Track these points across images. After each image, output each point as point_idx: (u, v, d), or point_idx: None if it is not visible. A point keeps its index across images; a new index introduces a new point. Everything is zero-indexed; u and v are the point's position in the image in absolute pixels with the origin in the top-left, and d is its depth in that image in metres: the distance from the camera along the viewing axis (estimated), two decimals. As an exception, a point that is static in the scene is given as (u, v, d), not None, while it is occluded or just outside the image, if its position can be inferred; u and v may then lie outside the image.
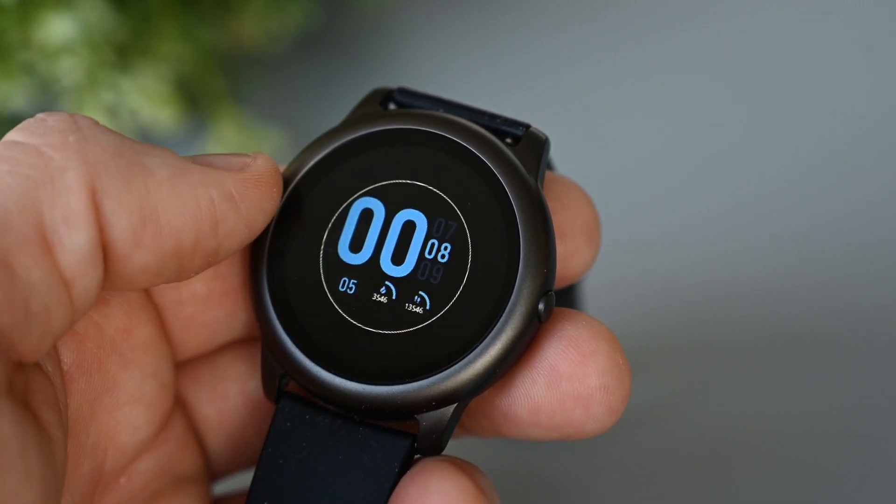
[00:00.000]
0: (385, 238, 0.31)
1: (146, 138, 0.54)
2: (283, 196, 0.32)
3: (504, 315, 0.29)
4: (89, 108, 0.51)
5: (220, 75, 0.54)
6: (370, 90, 0.33)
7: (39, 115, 0.28)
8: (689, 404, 0.43)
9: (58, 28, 0.48)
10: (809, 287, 0.46)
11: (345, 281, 0.31)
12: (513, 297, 0.30)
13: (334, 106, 0.55)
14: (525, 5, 0.58)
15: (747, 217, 0.49)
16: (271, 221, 0.31)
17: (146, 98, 0.51)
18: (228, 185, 0.29)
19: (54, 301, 0.26)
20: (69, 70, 0.49)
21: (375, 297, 0.31)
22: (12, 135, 0.28)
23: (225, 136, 0.52)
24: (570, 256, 0.32)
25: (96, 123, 0.28)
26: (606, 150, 0.53)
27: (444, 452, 0.30)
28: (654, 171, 0.51)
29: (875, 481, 0.41)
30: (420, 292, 0.30)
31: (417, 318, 0.30)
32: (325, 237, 0.31)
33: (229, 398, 0.33)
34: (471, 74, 0.55)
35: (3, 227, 0.26)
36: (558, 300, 0.30)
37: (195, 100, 0.54)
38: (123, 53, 0.51)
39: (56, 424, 0.27)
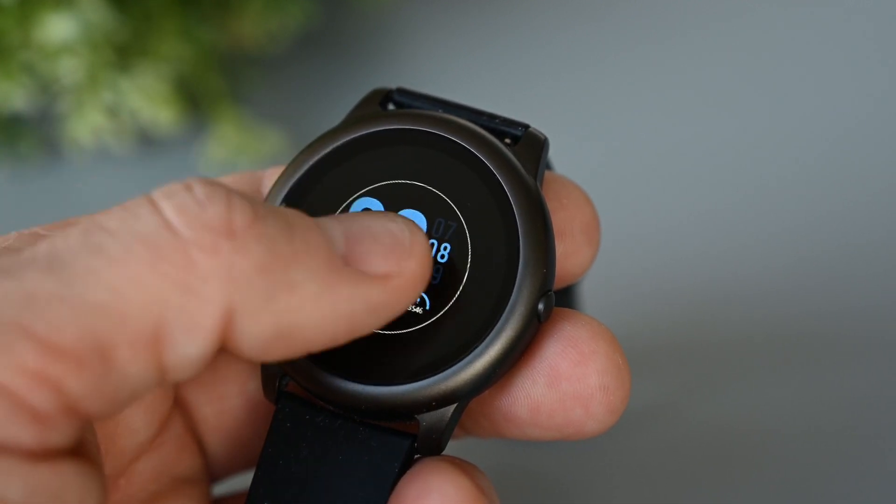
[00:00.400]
0: (385, 238, 0.31)
1: (146, 138, 0.54)
2: (280, 199, 0.32)
3: (504, 315, 0.29)
4: (89, 108, 0.51)
5: (220, 75, 0.54)
6: (369, 90, 0.33)
7: (198, 192, 0.26)
8: (688, 404, 0.43)
9: (58, 28, 0.48)
10: (808, 287, 0.46)
11: None
12: (512, 298, 0.30)
13: (334, 106, 0.55)
14: (525, 5, 0.58)
15: (747, 217, 0.49)
16: None
17: (146, 98, 0.51)
18: (374, 299, 0.27)
19: (144, 389, 0.25)
20: (69, 70, 0.49)
21: None
22: (164, 203, 0.25)
23: (225, 136, 0.52)
24: (569, 256, 0.32)
25: (253, 221, 0.26)
26: (606, 150, 0.53)
27: (444, 453, 0.30)
28: (654, 171, 0.51)
29: (874, 481, 0.41)
30: None
31: (417, 319, 0.30)
32: None
33: (228, 399, 0.33)
34: (471, 74, 0.55)
35: (118, 320, 0.24)
36: (557, 300, 0.30)
37: (195, 100, 0.54)
38: (123, 53, 0.51)
39: (100, 461, 0.27)
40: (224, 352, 0.26)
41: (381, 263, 0.27)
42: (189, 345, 0.25)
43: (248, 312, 0.25)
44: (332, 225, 0.28)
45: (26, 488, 0.23)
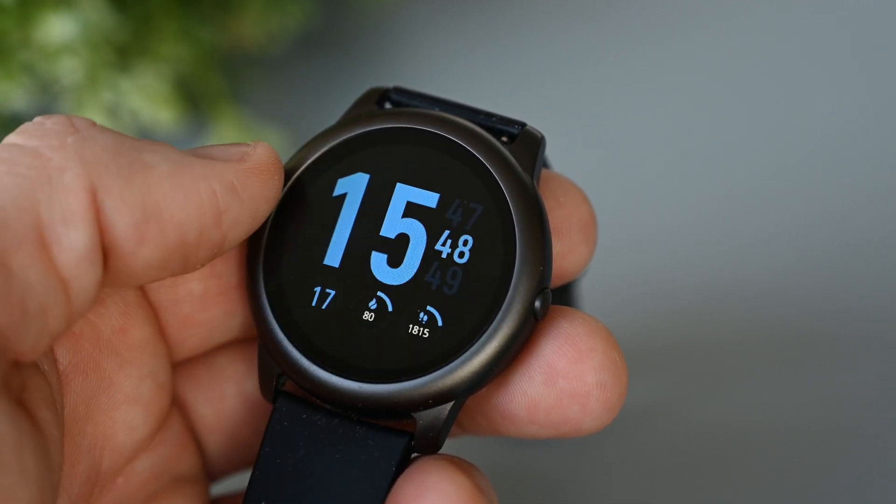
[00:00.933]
0: (381, 236, 0.31)
1: (148, 137, 0.54)
2: (283, 186, 0.32)
3: (500, 313, 0.29)
4: (89, 108, 0.51)
5: (220, 75, 0.54)
6: (366, 90, 0.33)
7: (37, 119, 0.28)
8: (686, 403, 0.43)
9: (58, 28, 0.48)
10: (807, 286, 0.46)
11: None
12: (509, 295, 0.30)
13: (334, 106, 0.54)
14: (524, 5, 0.58)
15: (745, 216, 0.49)
16: (268, 220, 0.31)
17: (146, 98, 0.51)
18: (230, 176, 0.29)
19: (51, 300, 0.26)
20: (69, 70, 0.49)
21: None
22: (10, 138, 0.28)
23: (225, 136, 0.52)
24: (566, 254, 0.32)
25: (94, 124, 0.28)
26: (603, 148, 0.53)
27: (441, 451, 0.30)
28: (651, 170, 0.51)
29: (874, 481, 0.41)
30: None
31: (415, 317, 0.30)
32: None
33: (227, 398, 0.33)
34: (470, 74, 0.55)
35: (1, 229, 0.26)
36: (555, 298, 0.30)
37: (195, 100, 0.54)
38: (123, 53, 0.51)
39: (53, 424, 0.27)
40: (114, 254, 0.27)
41: (231, 150, 0.30)
42: (70, 233, 0.26)
43: (111, 192, 0.27)
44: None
45: None
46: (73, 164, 0.27)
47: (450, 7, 0.58)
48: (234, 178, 0.29)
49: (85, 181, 0.27)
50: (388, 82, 0.34)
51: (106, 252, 0.27)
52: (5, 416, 0.25)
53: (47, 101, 0.53)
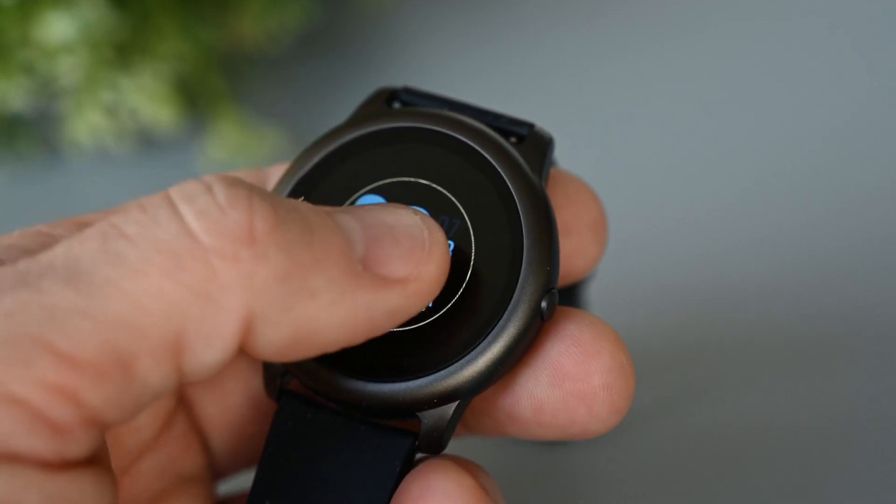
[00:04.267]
0: (388, 235, 0.31)
1: (146, 138, 0.54)
2: (285, 191, 0.32)
3: (507, 313, 0.29)
4: (88, 107, 0.51)
5: (219, 75, 0.53)
6: (374, 89, 0.33)
7: (219, 196, 0.25)
8: (691, 404, 0.43)
9: (57, 27, 0.48)
10: (815, 288, 0.46)
11: None
12: (515, 295, 0.29)
13: (334, 106, 0.55)
14: (525, 5, 0.58)
15: (751, 218, 0.49)
16: None
17: (146, 97, 0.51)
18: (393, 304, 0.27)
19: (163, 394, 0.25)
20: (69, 69, 0.49)
21: None
22: (182, 206, 0.25)
23: (224, 136, 0.52)
24: (576, 253, 0.32)
25: (274, 227, 0.26)
26: (611, 149, 0.53)
27: (446, 451, 0.30)
28: (659, 171, 0.51)
29: (875, 483, 0.41)
30: None
31: (420, 315, 0.30)
32: None
33: (231, 397, 0.33)
34: (471, 74, 0.55)
35: (138, 332, 0.24)
36: (564, 300, 0.30)
37: (195, 99, 0.54)
38: (123, 52, 0.51)
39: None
40: (242, 354, 0.26)
41: (401, 267, 0.28)
42: (208, 353, 0.25)
43: (267, 320, 0.25)
44: (352, 224, 0.28)
45: (43, 498, 0.23)
46: (238, 289, 0.25)
47: (450, 7, 0.58)
48: (397, 304, 0.27)
49: (245, 309, 0.25)
50: (389, 82, 0.34)
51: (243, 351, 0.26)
52: (101, 486, 0.25)
53: (46, 101, 0.52)
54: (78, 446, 0.24)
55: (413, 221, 0.28)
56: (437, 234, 0.28)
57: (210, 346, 0.25)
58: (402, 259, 0.28)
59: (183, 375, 0.25)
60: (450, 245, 0.30)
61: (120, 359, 0.24)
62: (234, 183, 0.26)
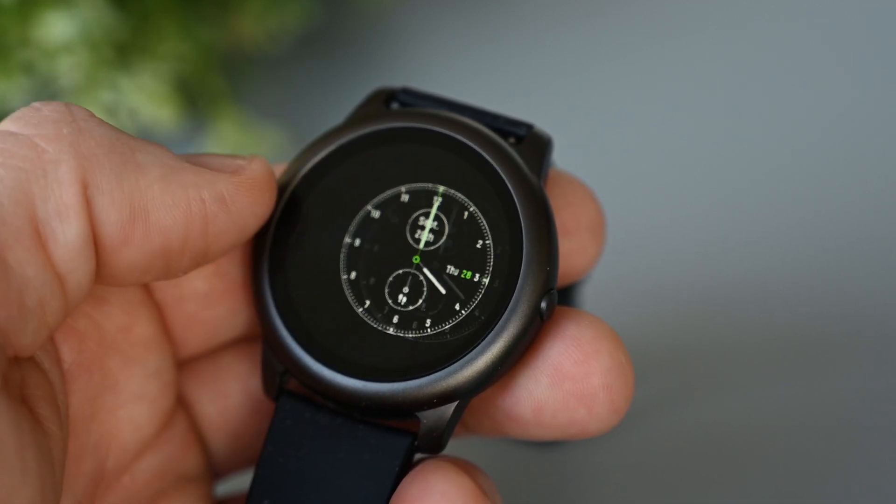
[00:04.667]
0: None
1: (146, 137, 0.54)
2: (284, 195, 0.32)
3: (506, 313, 0.29)
4: (88, 107, 0.51)
5: (219, 75, 0.53)
6: (373, 89, 0.33)
7: (35, 104, 0.28)
8: (690, 404, 0.43)
9: (57, 27, 0.48)
10: (812, 288, 0.46)
11: None
12: (515, 295, 0.29)
13: (334, 106, 0.55)
14: (525, 5, 0.58)
15: (750, 218, 0.49)
16: (274, 217, 0.31)
17: (145, 97, 0.51)
18: (220, 188, 0.29)
19: (48, 294, 0.26)
20: (68, 69, 0.49)
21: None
22: (6, 124, 0.28)
23: (224, 136, 0.52)
24: (574, 253, 0.32)
25: (91, 115, 0.28)
26: (610, 149, 0.53)
27: (445, 451, 0.30)
28: (658, 171, 0.51)
29: (872, 482, 0.41)
30: None
31: (419, 315, 0.30)
32: None
33: (231, 397, 0.33)
34: (471, 74, 0.55)
35: None
36: (561, 300, 0.30)
37: (194, 99, 0.54)
38: (123, 52, 0.51)
39: (54, 421, 0.27)
40: (100, 251, 0.27)
41: (226, 161, 0.30)
42: (65, 228, 0.27)
43: (101, 189, 0.27)
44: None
45: None
46: (67, 156, 0.27)
47: (450, 7, 0.58)
48: (225, 189, 0.29)
49: (79, 175, 0.27)
50: (389, 82, 0.34)
51: (94, 247, 0.27)
52: (6, 413, 0.25)
53: (46, 100, 0.52)
54: None
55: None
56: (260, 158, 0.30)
57: (64, 222, 0.27)
58: (224, 158, 0.30)
59: (52, 262, 0.26)
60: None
61: None
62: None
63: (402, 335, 0.30)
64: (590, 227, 0.32)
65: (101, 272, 0.28)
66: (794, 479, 0.41)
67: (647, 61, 0.55)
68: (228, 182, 0.29)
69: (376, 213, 0.31)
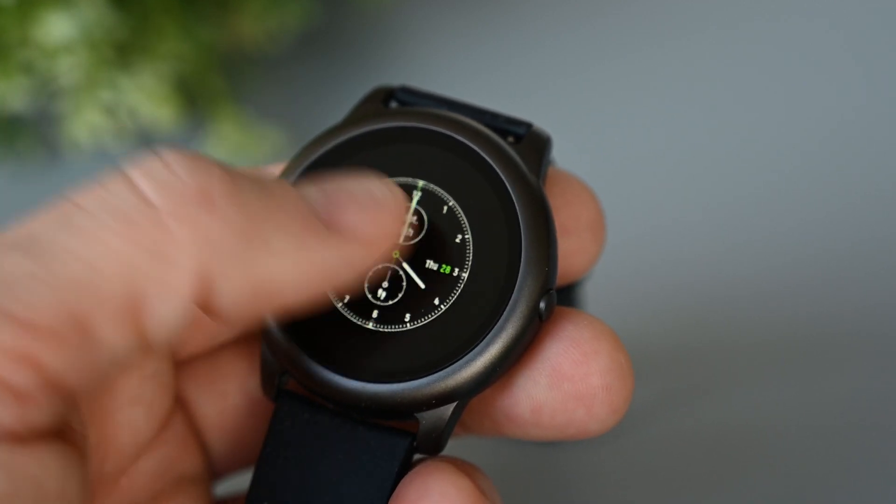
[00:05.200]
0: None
1: (145, 138, 0.54)
2: None
3: (505, 313, 0.29)
4: (88, 107, 0.51)
5: (219, 74, 0.53)
6: (372, 88, 0.33)
7: (174, 165, 0.26)
8: (690, 404, 0.43)
9: (57, 27, 0.48)
10: (812, 288, 0.46)
11: None
12: (514, 296, 0.29)
13: (334, 106, 0.54)
14: (525, 5, 0.58)
15: (750, 218, 0.49)
16: None
17: (145, 97, 0.51)
18: (349, 254, 0.28)
19: (127, 357, 0.26)
20: (68, 69, 0.49)
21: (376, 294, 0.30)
22: (138, 178, 0.25)
23: (224, 136, 0.52)
24: (574, 253, 0.32)
25: (231, 189, 0.26)
26: (610, 148, 0.52)
27: (445, 451, 0.30)
28: (658, 170, 0.51)
29: (874, 483, 0.41)
30: None
31: (418, 316, 0.30)
32: None
33: (229, 397, 0.33)
34: (470, 74, 0.55)
35: (93, 293, 0.24)
36: (560, 300, 0.30)
37: (194, 99, 0.53)
38: (123, 52, 0.51)
39: (83, 436, 0.27)
40: (207, 313, 0.26)
41: (356, 219, 0.28)
42: (166, 311, 0.25)
43: (224, 275, 0.25)
44: (309, 187, 0.28)
45: (5, 471, 0.23)
46: (193, 247, 0.25)
47: (450, 6, 0.58)
48: (354, 254, 0.28)
49: (200, 265, 0.25)
50: (389, 82, 0.34)
51: (204, 310, 0.26)
52: (68, 463, 0.25)
53: (46, 101, 0.52)
54: (41, 413, 0.24)
55: (372, 182, 0.29)
56: (396, 190, 0.29)
57: (167, 305, 0.25)
58: (357, 211, 0.28)
59: (144, 337, 0.25)
60: (414, 207, 0.30)
61: (77, 321, 0.24)
62: (193, 156, 0.26)
63: (400, 335, 0.30)
64: (589, 226, 0.32)
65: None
66: (795, 479, 0.41)
67: (647, 60, 0.55)
68: (360, 246, 0.28)
69: None
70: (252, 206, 0.26)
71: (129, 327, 0.25)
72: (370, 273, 0.30)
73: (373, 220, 0.28)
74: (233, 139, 0.52)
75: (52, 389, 0.24)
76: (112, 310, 0.25)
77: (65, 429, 0.25)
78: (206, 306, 0.26)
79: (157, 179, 0.26)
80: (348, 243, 0.28)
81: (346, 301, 0.30)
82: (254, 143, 0.52)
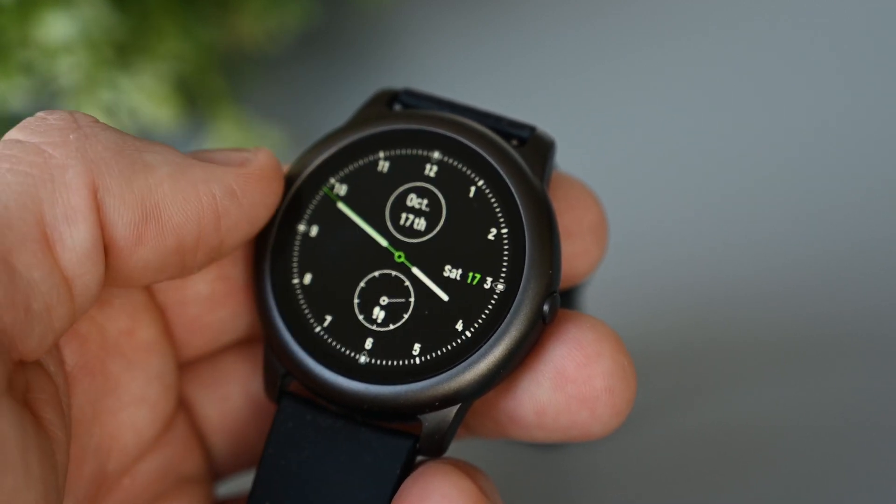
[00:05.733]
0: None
1: (146, 137, 0.54)
2: (287, 193, 0.32)
3: (509, 316, 0.29)
4: (88, 107, 0.51)
5: (219, 74, 0.53)
6: (376, 90, 0.33)
7: (39, 114, 0.28)
8: (692, 405, 0.43)
9: (57, 27, 0.48)
10: (814, 289, 0.46)
11: None
12: (517, 298, 0.29)
13: (334, 105, 0.55)
14: (526, 5, 0.58)
15: (752, 219, 0.49)
16: (275, 220, 0.31)
17: (145, 97, 0.51)
18: (230, 181, 0.29)
19: (55, 299, 0.26)
20: (68, 69, 0.49)
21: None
22: (13, 133, 0.28)
23: (224, 136, 0.52)
24: (577, 256, 0.32)
25: (96, 121, 0.28)
26: (612, 151, 0.52)
27: (447, 452, 0.30)
28: (660, 173, 0.51)
29: (875, 483, 0.41)
30: None
31: (420, 318, 0.30)
32: None
33: (231, 398, 0.33)
34: (471, 74, 0.55)
35: (2, 225, 0.26)
36: (563, 302, 0.30)
37: (194, 99, 0.53)
38: (123, 52, 0.51)
39: (58, 425, 0.27)
40: (113, 253, 0.28)
41: (232, 155, 0.30)
42: (73, 232, 0.27)
43: (111, 191, 0.27)
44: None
45: None
46: (74, 161, 0.27)
47: (451, 7, 0.58)
48: (235, 182, 0.29)
49: (87, 179, 0.27)
50: (389, 82, 0.34)
51: (105, 251, 0.27)
52: (10, 416, 0.25)
53: (46, 101, 0.52)
54: None
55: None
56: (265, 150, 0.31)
57: (72, 225, 0.27)
58: (230, 152, 0.30)
59: (64, 269, 0.27)
60: None
61: (1, 258, 0.25)
62: (61, 109, 0.28)
63: (403, 336, 0.30)
64: (592, 229, 0.32)
65: (116, 274, 0.28)
66: (796, 479, 0.41)
67: (649, 62, 0.55)
68: (237, 175, 0.29)
69: None
70: (123, 134, 0.28)
71: (45, 257, 0.26)
72: (377, 274, 0.31)
73: (246, 153, 0.30)
74: (233, 139, 0.52)
75: None
76: (23, 239, 0.26)
77: (15, 389, 0.26)
78: (104, 231, 0.27)
79: (25, 125, 0.28)
80: (226, 170, 0.29)
81: (349, 304, 0.31)
82: (254, 143, 0.52)
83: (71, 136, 0.27)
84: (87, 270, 0.27)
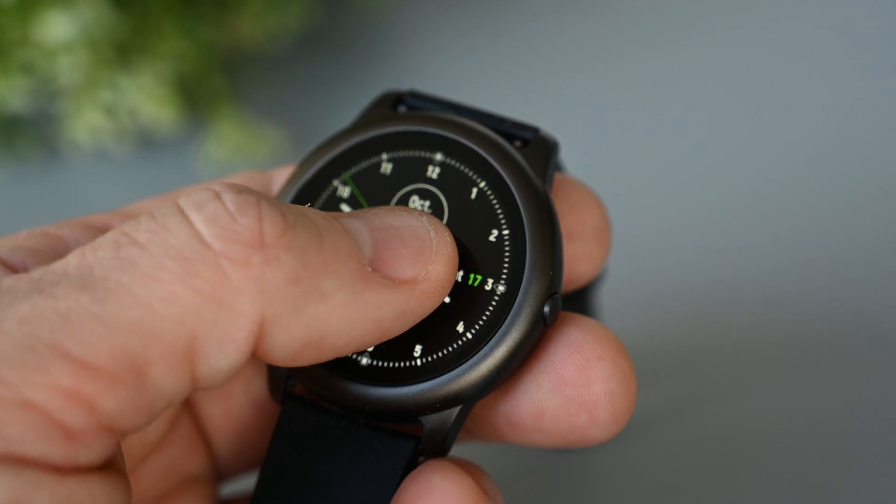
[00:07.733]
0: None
1: (146, 137, 0.54)
2: (290, 199, 0.32)
3: (509, 317, 0.29)
4: (88, 108, 0.51)
5: (219, 74, 0.53)
6: (381, 92, 0.33)
7: (228, 202, 0.26)
8: (695, 409, 0.43)
9: (57, 27, 0.48)
10: (821, 292, 0.46)
11: None
12: (518, 300, 0.29)
13: (334, 105, 0.55)
14: (527, 5, 0.58)
15: (756, 221, 0.49)
16: None
17: (146, 97, 0.51)
18: (402, 305, 0.28)
19: (178, 399, 0.26)
20: (68, 69, 0.49)
21: None
22: (192, 214, 0.26)
23: (224, 136, 0.52)
24: (579, 259, 0.32)
25: (284, 232, 0.26)
26: (615, 152, 0.52)
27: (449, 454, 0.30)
28: (663, 175, 0.51)
29: (882, 485, 0.41)
30: None
31: (423, 320, 0.30)
32: None
33: (234, 398, 0.33)
34: (472, 74, 0.55)
35: (152, 335, 0.24)
36: (572, 305, 0.30)
37: (195, 99, 0.53)
38: (123, 52, 0.51)
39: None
40: (256, 357, 0.26)
41: (409, 268, 0.28)
42: (222, 358, 0.25)
43: (279, 323, 0.26)
44: (359, 227, 0.28)
45: (53, 501, 0.23)
46: (249, 291, 0.25)
47: (450, 7, 0.58)
48: (407, 305, 0.28)
49: (257, 311, 0.25)
50: (388, 82, 0.34)
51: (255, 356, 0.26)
52: (113, 491, 0.25)
53: (46, 102, 0.52)
54: (91, 452, 0.24)
55: (419, 223, 0.29)
56: (444, 234, 0.29)
57: (223, 351, 0.25)
58: (409, 259, 0.28)
59: (196, 381, 0.25)
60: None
61: (134, 364, 0.24)
62: (242, 190, 0.26)
63: (406, 339, 0.30)
64: (595, 232, 0.32)
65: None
66: (804, 483, 0.41)
67: (654, 63, 0.55)
68: (411, 297, 0.28)
69: None
70: (306, 251, 0.26)
71: (183, 372, 0.25)
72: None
73: (423, 265, 0.28)
74: (233, 139, 0.52)
75: (103, 430, 0.24)
76: (168, 354, 0.25)
77: (113, 459, 0.25)
78: (258, 352, 0.26)
79: (211, 218, 0.26)
80: (399, 290, 0.28)
81: None
82: (254, 143, 0.52)
83: (254, 259, 0.25)
84: (217, 381, 0.26)
